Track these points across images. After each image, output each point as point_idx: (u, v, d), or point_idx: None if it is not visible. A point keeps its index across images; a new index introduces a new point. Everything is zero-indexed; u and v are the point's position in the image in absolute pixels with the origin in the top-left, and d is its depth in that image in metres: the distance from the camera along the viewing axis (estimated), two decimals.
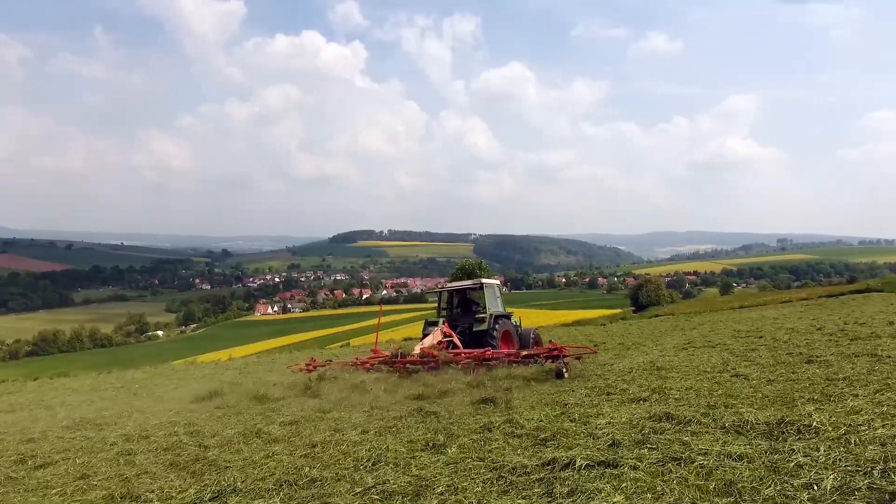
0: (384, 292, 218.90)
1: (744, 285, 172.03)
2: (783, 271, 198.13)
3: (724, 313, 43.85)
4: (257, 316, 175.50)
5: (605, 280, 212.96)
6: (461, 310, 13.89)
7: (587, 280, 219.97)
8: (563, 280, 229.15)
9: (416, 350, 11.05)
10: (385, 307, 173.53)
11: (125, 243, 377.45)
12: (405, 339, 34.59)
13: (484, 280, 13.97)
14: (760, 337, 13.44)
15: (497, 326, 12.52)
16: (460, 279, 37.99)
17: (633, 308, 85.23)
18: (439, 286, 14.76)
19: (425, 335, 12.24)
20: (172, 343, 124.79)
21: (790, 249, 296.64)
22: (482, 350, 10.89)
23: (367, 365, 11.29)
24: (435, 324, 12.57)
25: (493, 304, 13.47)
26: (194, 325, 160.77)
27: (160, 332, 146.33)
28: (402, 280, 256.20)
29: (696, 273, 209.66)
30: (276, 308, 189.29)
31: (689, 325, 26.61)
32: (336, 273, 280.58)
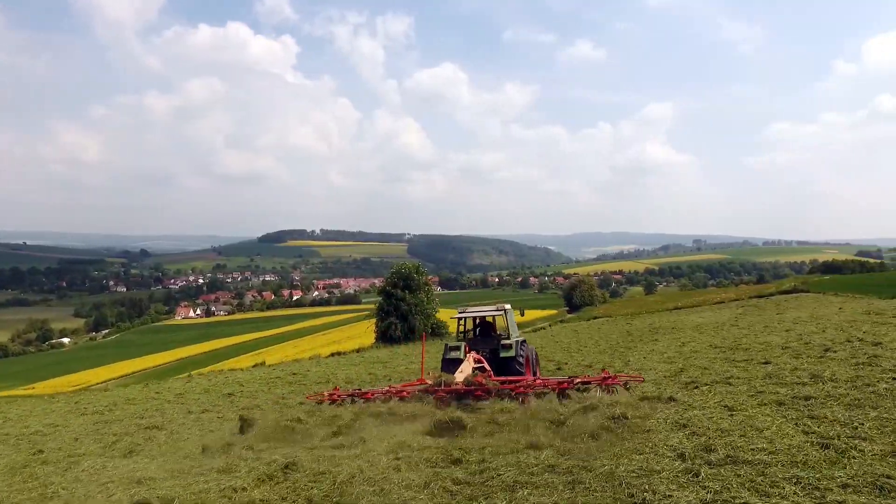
0: (316, 293, 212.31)
1: (665, 284, 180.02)
2: (699, 270, 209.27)
3: (662, 315, 43.90)
4: (178, 320, 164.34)
5: (537, 280, 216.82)
6: (480, 334, 13.49)
7: (519, 280, 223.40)
8: (496, 280, 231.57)
9: (460, 378, 10.09)
10: (317, 309, 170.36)
11: (28, 242, 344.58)
12: (332, 354, 31.44)
13: (506, 306, 13.33)
14: (766, 363, 11.41)
15: (522, 352, 12.07)
16: (395, 283, 35.30)
17: (567, 308, 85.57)
18: (459, 311, 13.61)
19: (448, 360, 11.63)
20: (79, 351, 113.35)
21: (705, 250, 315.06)
22: (533, 378, 10.67)
23: (404, 394, 10.13)
24: (457, 348, 11.93)
25: (514, 329, 13.05)
26: (106, 332, 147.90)
27: (66, 340, 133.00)
28: (335, 280, 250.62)
29: (621, 272, 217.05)
30: (199, 311, 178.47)
31: (646, 333, 25.40)
32: (265, 274, 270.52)
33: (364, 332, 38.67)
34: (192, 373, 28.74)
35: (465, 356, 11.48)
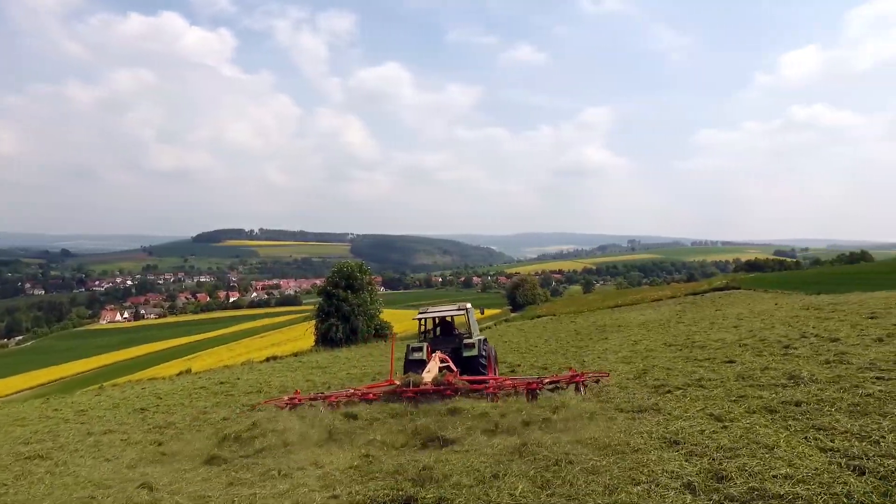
0: (254, 295, 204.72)
1: (602, 283, 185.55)
2: (634, 269, 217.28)
3: (604, 313, 44.19)
4: (102, 324, 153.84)
5: (480, 279, 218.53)
6: (442, 333, 13.34)
7: (462, 279, 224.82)
8: (440, 280, 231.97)
9: (428, 378, 9.86)
10: (256, 311, 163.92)
11: None
12: (267, 359, 29.21)
13: (467, 305, 13.28)
14: (730, 362, 10.68)
15: (484, 351, 12.00)
16: (336, 282, 33.37)
17: (510, 307, 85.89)
18: (420, 311, 13.59)
19: (412, 361, 11.45)
20: None
21: (639, 250, 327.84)
22: (503, 378, 10.73)
23: (371, 396, 9.86)
24: (419, 349, 11.68)
25: (475, 327, 13.10)
26: (20, 338, 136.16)
27: None
28: (275, 281, 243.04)
29: (561, 272, 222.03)
30: (126, 315, 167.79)
31: (594, 332, 24.93)
32: (200, 275, 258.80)
33: (303, 335, 36.45)
34: (105, 384, 25.76)
35: (428, 356, 11.30)
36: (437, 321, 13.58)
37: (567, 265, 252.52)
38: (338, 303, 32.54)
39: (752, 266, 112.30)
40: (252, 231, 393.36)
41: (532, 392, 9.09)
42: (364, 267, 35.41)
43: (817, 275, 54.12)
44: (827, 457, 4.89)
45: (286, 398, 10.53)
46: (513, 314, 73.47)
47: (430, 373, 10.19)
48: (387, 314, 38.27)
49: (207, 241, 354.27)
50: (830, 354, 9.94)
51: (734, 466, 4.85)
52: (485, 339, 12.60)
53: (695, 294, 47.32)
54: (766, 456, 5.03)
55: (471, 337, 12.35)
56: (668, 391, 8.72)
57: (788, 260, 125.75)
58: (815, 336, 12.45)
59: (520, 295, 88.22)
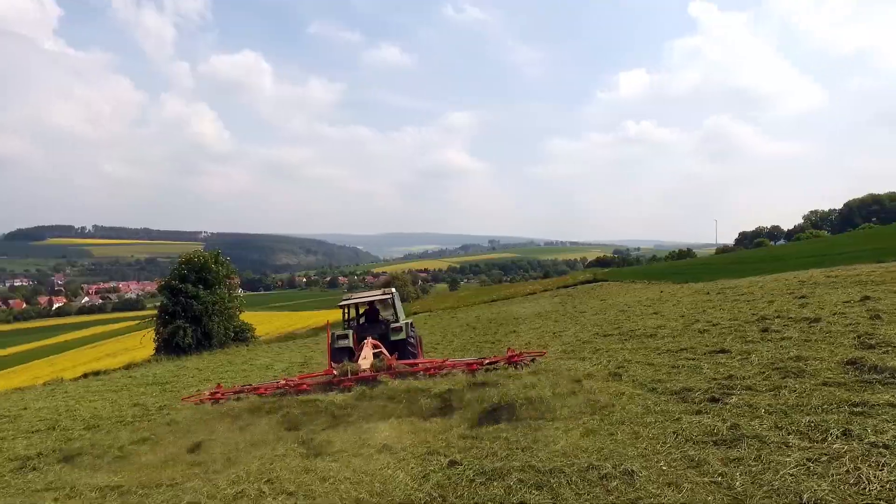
0: (86, 299, 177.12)
1: (466, 280, 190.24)
2: (495, 268, 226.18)
3: (482, 308, 42.92)
4: None
5: (347, 279, 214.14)
6: (367, 320, 12.79)
7: (328, 279, 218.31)
8: (305, 280, 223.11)
9: (365, 365, 9.26)
10: (87, 318, 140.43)
11: None
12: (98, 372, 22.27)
13: (392, 290, 13.11)
14: (721, 352, 8.26)
15: (412, 334, 11.79)
16: (184, 276, 27.00)
17: None
18: (345, 298, 12.83)
19: (338, 349, 11.02)
20: None
21: (499, 249, 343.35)
22: (441, 360, 10.06)
23: (304, 387, 8.86)
24: (345, 336, 11.28)
25: (401, 312, 12.68)
26: None
27: None
28: (112, 284, 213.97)
29: (426, 270, 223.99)
30: None
31: (490, 325, 22.70)
32: (15, 277, 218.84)
33: (143, 343, 29.26)
34: None
35: (354, 344, 11.03)
36: (361, 308, 13.02)
37: (432, 264, 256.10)
38: (186, 301, 26.16)
39: (601, 262, 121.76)
40: (84, 228, 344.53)
41: (472, 373, 8.49)
42: (220, 257, 29.15)
43: (664, 267, 58.54)
44: None
45: (207, 393, 9.63)
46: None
47: (367, 359, 9.70)
48: (247, 317, 32.40)
49: (26, 238, 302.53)
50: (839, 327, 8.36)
51: None
52: (411, 323, 12.16)
53: (566, 287, 48.42)
54: None
55: (397, 321, 11.93)
56: (715, 400, 5.82)
57: (630, 257, 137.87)
58: (748, 323, 10.73)
59: None
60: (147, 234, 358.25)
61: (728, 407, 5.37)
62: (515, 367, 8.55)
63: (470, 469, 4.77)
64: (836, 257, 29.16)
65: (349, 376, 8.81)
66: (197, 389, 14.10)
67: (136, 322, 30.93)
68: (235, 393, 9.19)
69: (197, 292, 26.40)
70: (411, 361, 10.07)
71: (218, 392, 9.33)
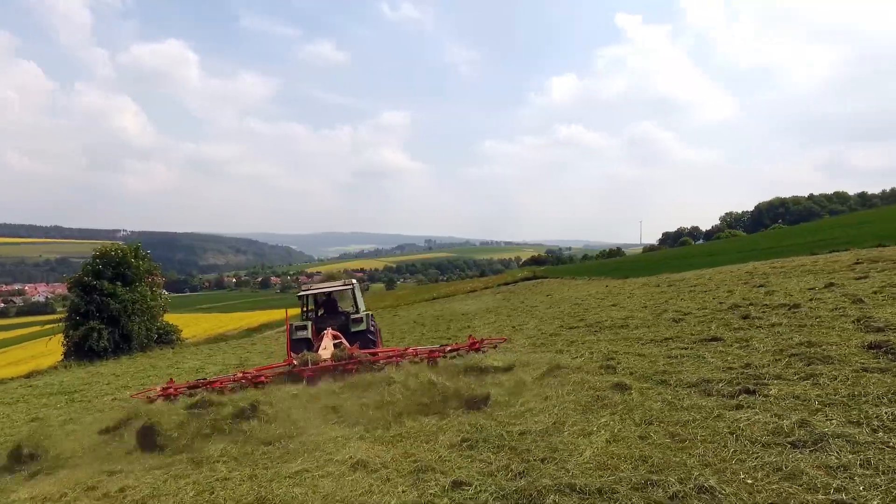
0: None
1: (403, 280, 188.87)
2: (431, 267, 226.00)
3: (425, 305, 42.13)
4: None
5: (279, 279, 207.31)
6: (326, 311, 12.27)
7: (259, 280, 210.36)
8: (234, 280, 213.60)
9: (326, 355, 8.95)
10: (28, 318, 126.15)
11: None
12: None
13: (353, 281, 12.49)
14: (714, 339, 7.62)
15: (373, 325, 11.48)
16: (99, 272, 23.98)
17: None
18: (304, 288, 12.43)
19: (297, 340, 10.63)
20: None
21: (435, 249, 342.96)
22: (404, 348, 10.03)
23: (262, 379, 8.70)
24: (304, 327, 10.93)
25: (361, 303, 12.15)
26: None
27: None
28: (17, 286, 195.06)
29: (363, 270, 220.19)
30: None
31: (441, 322, 21.91)
32: None
33: (49, 348, 25.71)
34: None
35: (313, 335, 10.77)
36: (320, 299, 12.54)
37: (368, 264, 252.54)
38: (101, 299, 23.18)
39: (536, 261, 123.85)
40: None
41: (434, 360, 8.50)
42: (141, 251, 26.15)
43: (599, 265, 59.93)
44: None
45: (159, 388, 9.01)
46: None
47: (327, 349, 9.44)
48: (172, 319, 29.44)
49: None
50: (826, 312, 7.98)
51: None
52: (371, 315, 11.90)
53: (506, 284, 48.34)
54: None
55: (358, 312, 11.63)
56: (750, 392, 5.05)
57: (563, 256, 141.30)
58: (729, 310, 10.41)
59: None
60: (59, 232, 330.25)
61: (772, 399, 4.60)
62: (477, 354, 8.48)
63: (485, 491, 3.68)
64: (763, 252, 30.47)
65: (309, 366, 8.53)
66: (113, 398, 12.15)
67: (45, 327, 27.19)
68: (190, 388, 8.69)
69: (114, 289, 23.48)
70: (373, 350, 9.81)
71: (170, 387, 8.82)
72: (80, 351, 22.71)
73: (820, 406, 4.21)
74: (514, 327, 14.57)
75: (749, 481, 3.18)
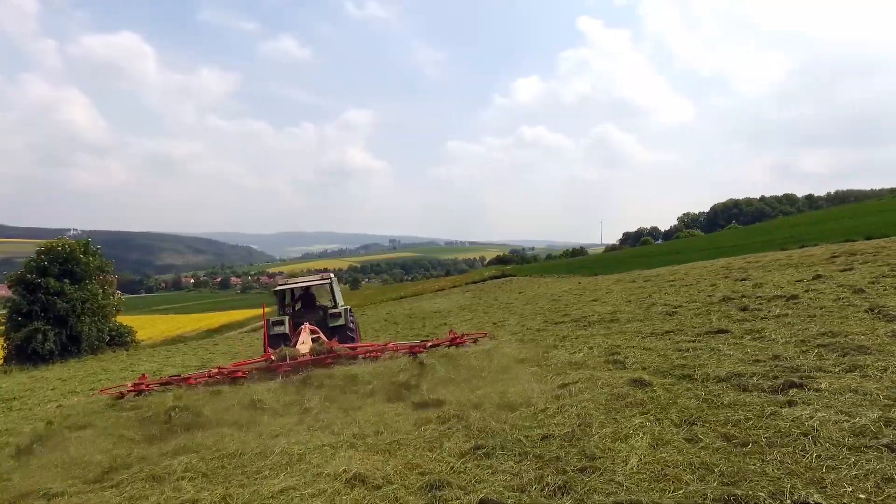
0: None
1: (367, 280, 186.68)
2: (396, 267, 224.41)
3: (394, 304, 41.38)
4: None
5: (240, 280, 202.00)
6: (303, 306, 11.91)
7: (219, 280, 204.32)
8: (192, 281, 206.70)
9: (304, 349, 8.70)
10: None
11: None
12: None
13: (331, 275, 12.17)
14: (721, 332, 7.15)
15: (352, 319, 11.25)
16: (44, 269, 22.09)
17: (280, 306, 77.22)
18: (280, 284, 11.96)
19: (275, 336, 10.32)
20: None
21: (399, 249, 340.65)
22: (384, 343, 9.68)
23: (239, 374, 8.23)
24: (281, 323, 10.51)
25: (340, 298, 11.93)
26: None
27: None
28: None
29: (326, 270, 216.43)
30: None
31: (416, 319, 21.09)
32: None
33: None
34: None
35: (290, 330, 10.44)
36: (297, 294, 12.23)
37: (332, 264, 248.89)
38: (47, 298, 21.31)
39: (501, 261, 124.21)
40: None
41: (414, 355, 7.91)
42: (91, 246, 24.29)
43: (564, 264, 60.18)
44: None
45: (130, 384, 8.47)
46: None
47: (305, 344, 9.18)
48: (125, 321, 27.51)
49: None
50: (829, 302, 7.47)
51: None
52: (349, 309, 11.55)
53: (474, 283, 47.96)
54: None
55: (336, 307, 11.34)
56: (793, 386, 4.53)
57: (528, 256, 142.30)
58: (723, 300, 10.12)
59: None
60: (2, 231, 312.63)
61: (826, 394, 4.08)
62: (458, 349, 8.14)
63: None
64: (730, 249, 30.93)
65: (287, 361, 8.22)
66: (58, 405, 10.91)
67: None
68: (163, 384, 8.19)
69: (61, 287, 21.68)
70: (353, 345, 9.49)
71: (142, 383, 8.31)
72: (23, 354, 20.87)
73: (890, 401, 3.71)
74: (494, 324, 13.97)
75: (861, 496, 2.60)
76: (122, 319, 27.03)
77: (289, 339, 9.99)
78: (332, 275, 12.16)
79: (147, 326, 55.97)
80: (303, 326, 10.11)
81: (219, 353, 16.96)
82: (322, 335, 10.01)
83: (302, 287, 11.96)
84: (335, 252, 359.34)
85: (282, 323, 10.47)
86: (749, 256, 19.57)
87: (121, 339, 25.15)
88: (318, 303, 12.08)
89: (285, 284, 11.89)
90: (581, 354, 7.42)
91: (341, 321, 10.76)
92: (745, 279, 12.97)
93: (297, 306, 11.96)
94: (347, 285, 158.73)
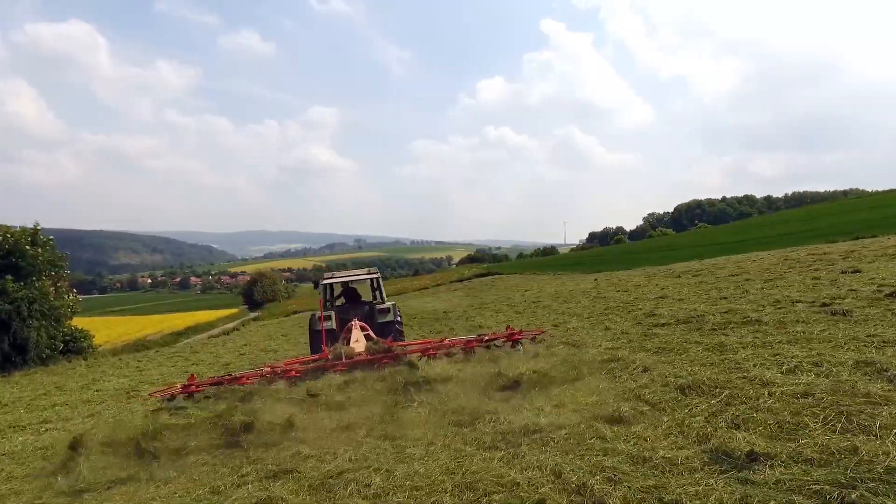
0: None
1: None
2: (363, 267, 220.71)
3: (390, 300, 38.35)
4: None
5: (200, 279, 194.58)
6: (347, 301, 11.70)
7: (177, 280, 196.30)
8: (149, 281, 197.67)
9: (360, 348, 8.29)
10: None
11: None
12: None
13: (375, 269, 11.70)
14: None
15: (399, 316, 10.89)
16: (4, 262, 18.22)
17: (247, 306, 73.12)
18: (326, 276, 11.16)
19: (323, 331, 9.72)
20: None
21: (365, 248, 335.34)
22: (439, 340, 8.99)
23: (293, 373, 7.71)
24: (329, 318, 10.03)
25: (383, 293, 11.33)
26: None
27: None
28: None
29: (290, 270, 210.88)
30: None
31: (412, 320, 18.35)
32: None
33: None
34: None
35: (337, 326, 9.94)
36: (344, 289, 11.78)
37: (296, 263, 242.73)
38: None
39: (473, 259, 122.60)
40: None
41: (471, 352, 7.71)
42: (41, 236, 20.32)
43: (545, 262, 58.66)
44: None
45: (179, 386, 7.81)
46: (254, 313, 61.99)
47: (360, 342, 8.66)
48: (79, 323, 23.48)
49: None
50: None
51: None
52: (395, 305, 11.10)
53: (460, 281, 46.01)
54: None
55: (382, 302, 10.86)
56: None
57: (499, 255, 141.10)
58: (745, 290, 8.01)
59: (258, 292, 75.35)
60: None
61: None
62: (512, 346, 7.98)
63: None
64: (716, 248, 29.82)
65: (343, 360, 7.81)
66: (14, 428, 7.86)
67: None
68: (214, 384, 7.75)
69: (3, 285, 17.91)
70: (408, 343, 9.28)
71: (192, 384, 7.76)
72: None
73: None
74: (537, 324, 11.46)
75: None
76: (76, 322, 23.13)
77: (337, 336, 9.47)
78: (377, 269, 11.75)
79: (103, 329, 50.86)
80: (352, 323, 9.62)
81: (204, 365, 13.84)
82: (371, 333, 9.61)
83: (348, 282, 11.43)
84: (299, 251, 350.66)
85: (329, 318, 9.97)
86: (736, 256, 18.03)
87: (76, 346, 21.40)
88: (361, 298, 11.69)
89: (332, 278, 11.12)
90: (761, 368, 5.00)
91: (389, 317, 10.42)
92: (857, 271, 10.87)
93: (339, 301, 11.54)
94: (312, 285, 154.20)
